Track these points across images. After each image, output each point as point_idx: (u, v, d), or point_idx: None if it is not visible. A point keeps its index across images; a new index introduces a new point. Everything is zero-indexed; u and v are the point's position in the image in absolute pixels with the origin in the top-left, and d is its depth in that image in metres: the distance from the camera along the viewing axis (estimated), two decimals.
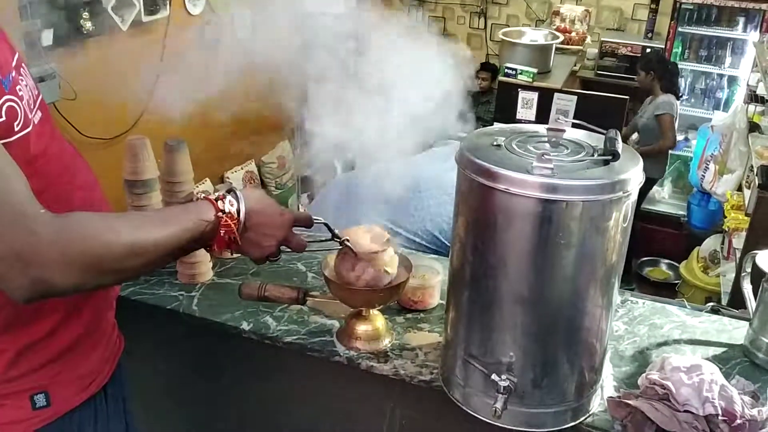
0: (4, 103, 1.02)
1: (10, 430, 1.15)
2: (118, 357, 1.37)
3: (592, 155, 1.19)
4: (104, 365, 1.31)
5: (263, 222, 1.22)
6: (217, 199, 1.16)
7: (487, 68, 5.79)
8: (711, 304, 1.98)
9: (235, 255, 1.23)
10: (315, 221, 1.34)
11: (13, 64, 1.08)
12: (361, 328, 1.50)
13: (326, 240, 1.41)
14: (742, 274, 1.63)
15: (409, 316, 1.62)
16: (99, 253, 0.99)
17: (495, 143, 1.22)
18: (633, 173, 1.15)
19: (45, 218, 0.96)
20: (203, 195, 1.19)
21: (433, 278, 1.64)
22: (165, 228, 1.08)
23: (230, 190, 1.20)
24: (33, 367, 1.16)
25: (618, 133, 1.21)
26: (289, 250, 1.30)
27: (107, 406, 1.32)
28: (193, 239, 1.12)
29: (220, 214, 1.15)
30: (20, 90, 1.07)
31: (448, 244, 2.03)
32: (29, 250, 0.93)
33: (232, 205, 1.17)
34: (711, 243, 4.50)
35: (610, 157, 1.15)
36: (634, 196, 1.17)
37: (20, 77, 1.09)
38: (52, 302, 1.11)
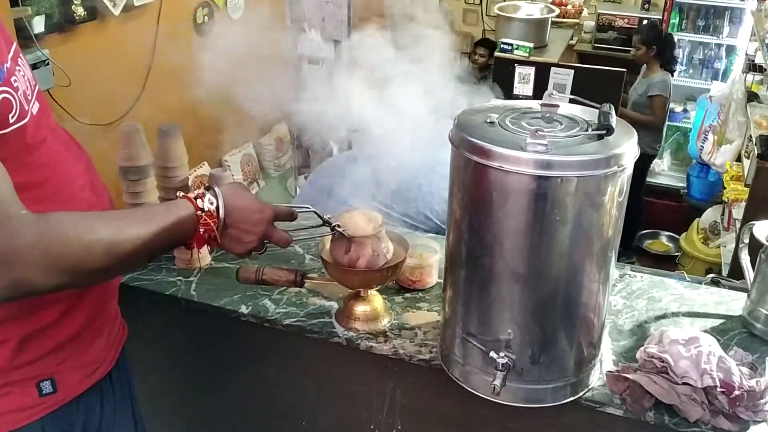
0: None
1: (17, 417, 1.16)
2: (122, 343, 1.38)
3: (587, 130, 1.18)
4: (109, 352, 1.31)
5: (243, 219, 1.24)
6: (196, 198, 1.18)
7: (485, 44, 5.75)
8: (711, 275, 1.98)
9: None
10: (302, 211, 1.34)
11: (10, 55, 1.07)
12: (360, 308, 1.50)
13: (316, 226, 1.41)
14: (740, 246, 1.63)
15: (407, 295, 1.62)
16: (79, 255, 1.00)
17: (488, 120, 1.21)
18: (627, 147, 1.14)
19: (26, 219, 0.96)
20: (182, 194, 1.21)
21: (431, 257, 1.64)
22: (145, 228, 1.09)
23: (209, 188, 1.21)
24: (38, 355, 1.16)
25: (612, 107, 1.20)
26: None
27: (113, 392, 1.33)
28: (173, 238, 1.14)
29: (199, 212, 1.17)
30: (15, 81, 1.06)
31: (441, 225, 2.03)
32: (10, 251, 0.94)
33: (211, 203, 1.18)
34: (711, 214, 4.50)
35: (604, 132, 1.15)
36: (629, 171, 1.16)
37: (17, 68, 1.08)
38: None
